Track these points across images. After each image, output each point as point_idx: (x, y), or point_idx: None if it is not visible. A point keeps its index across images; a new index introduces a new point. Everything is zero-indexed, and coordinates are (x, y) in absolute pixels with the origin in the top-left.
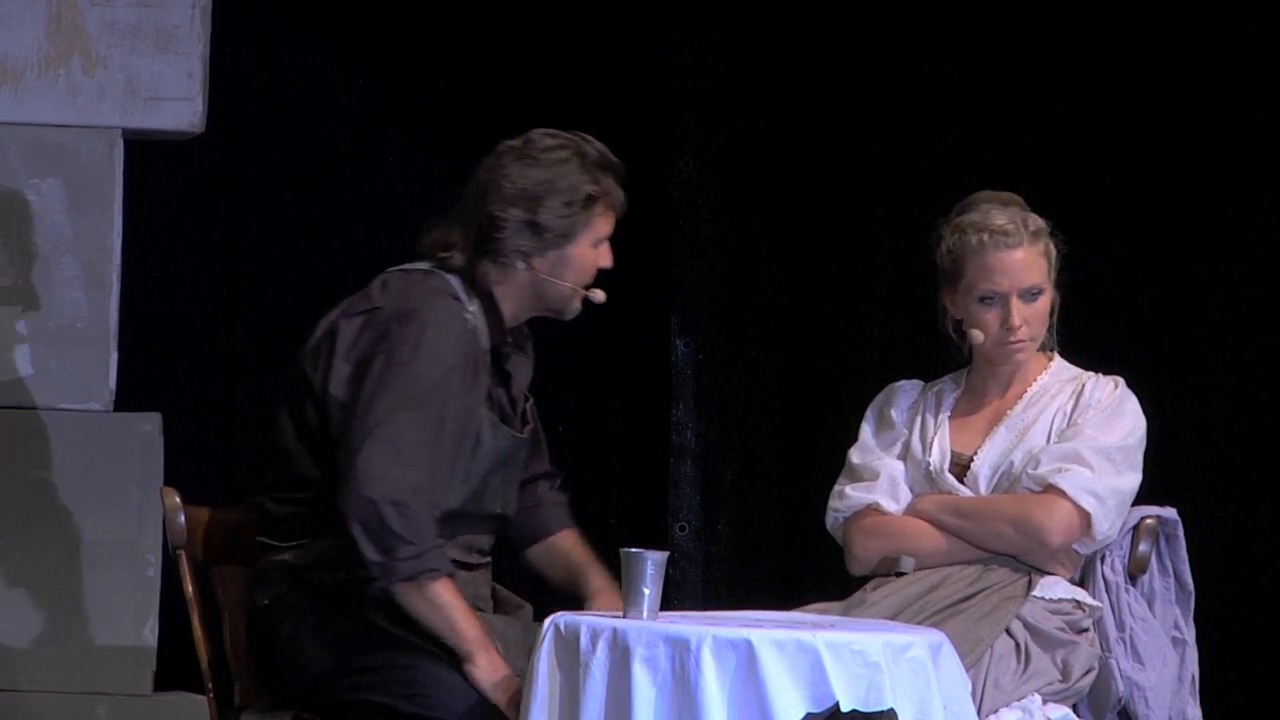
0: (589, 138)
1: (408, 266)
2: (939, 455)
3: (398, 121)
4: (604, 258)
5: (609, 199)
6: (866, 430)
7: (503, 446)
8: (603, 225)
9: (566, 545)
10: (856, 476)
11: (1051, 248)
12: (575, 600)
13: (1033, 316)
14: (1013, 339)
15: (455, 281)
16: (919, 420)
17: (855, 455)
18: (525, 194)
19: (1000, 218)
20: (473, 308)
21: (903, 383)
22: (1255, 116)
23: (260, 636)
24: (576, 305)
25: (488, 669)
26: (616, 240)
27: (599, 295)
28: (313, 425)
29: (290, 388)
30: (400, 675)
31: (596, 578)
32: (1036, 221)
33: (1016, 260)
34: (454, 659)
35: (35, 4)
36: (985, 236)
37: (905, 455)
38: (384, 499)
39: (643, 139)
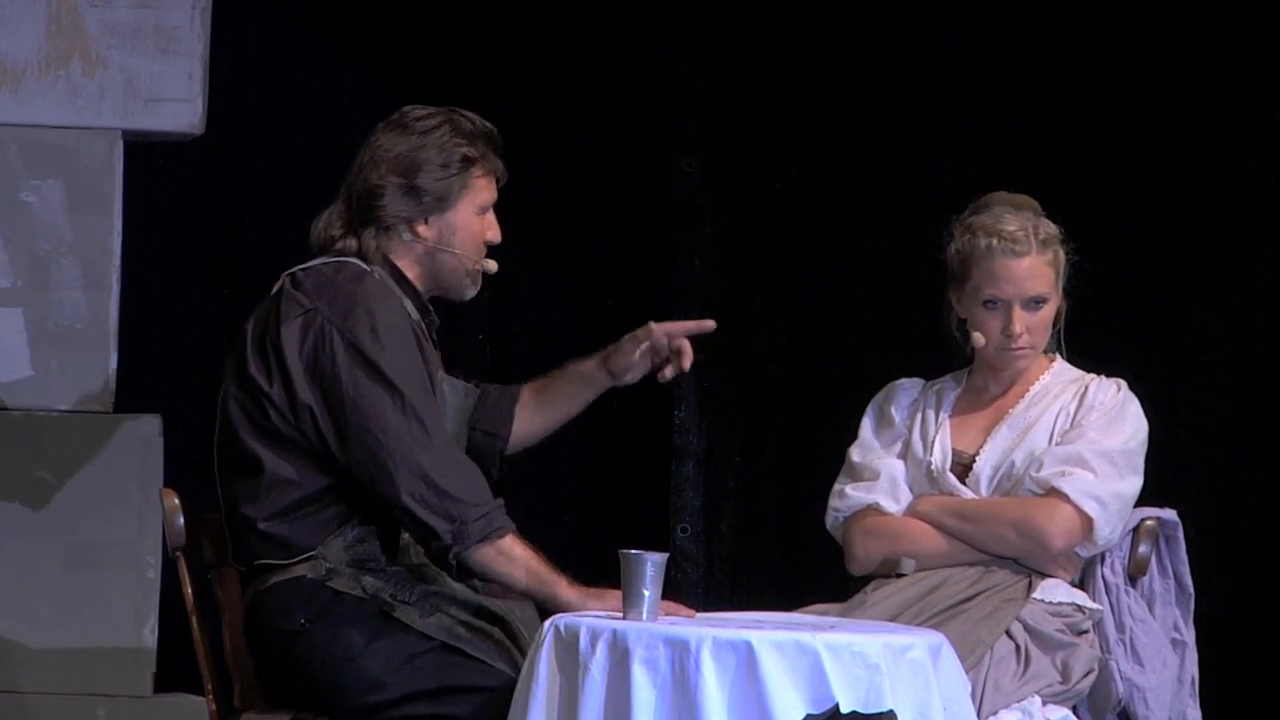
0: (464, 111)
1: (308, 265)
2: (940, 454)
3: None
4: (491, 229)
5: (486, 163)
6: (867, 428)
7: (463, 401)
8: (483, 190)
9: (537, 387)
10: (857, 476)
11: (1061, 256)
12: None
13: (1035, 325)
14: (1013, 346)
15: (359, 263)
16: (919, 418)
17: (855, 454)
18: (401, 160)
19: (1012, 223)
20: (389, 282)
21: (903, 380)
22: (1254, 116)
23: (297, 659)
24: (471, 282)
25: (579, 594)
26: (618, 240)
27: (490, 265)
28: (283, 431)
29: (240, 407)
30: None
31: (583, 363)
32: (1048, 229)
33: (1023, 268)
34: (503, 632)
35: (35, 5)
36: (994, 241)
37: (906, 454)
38: (432, 470)
39: (645, 139)
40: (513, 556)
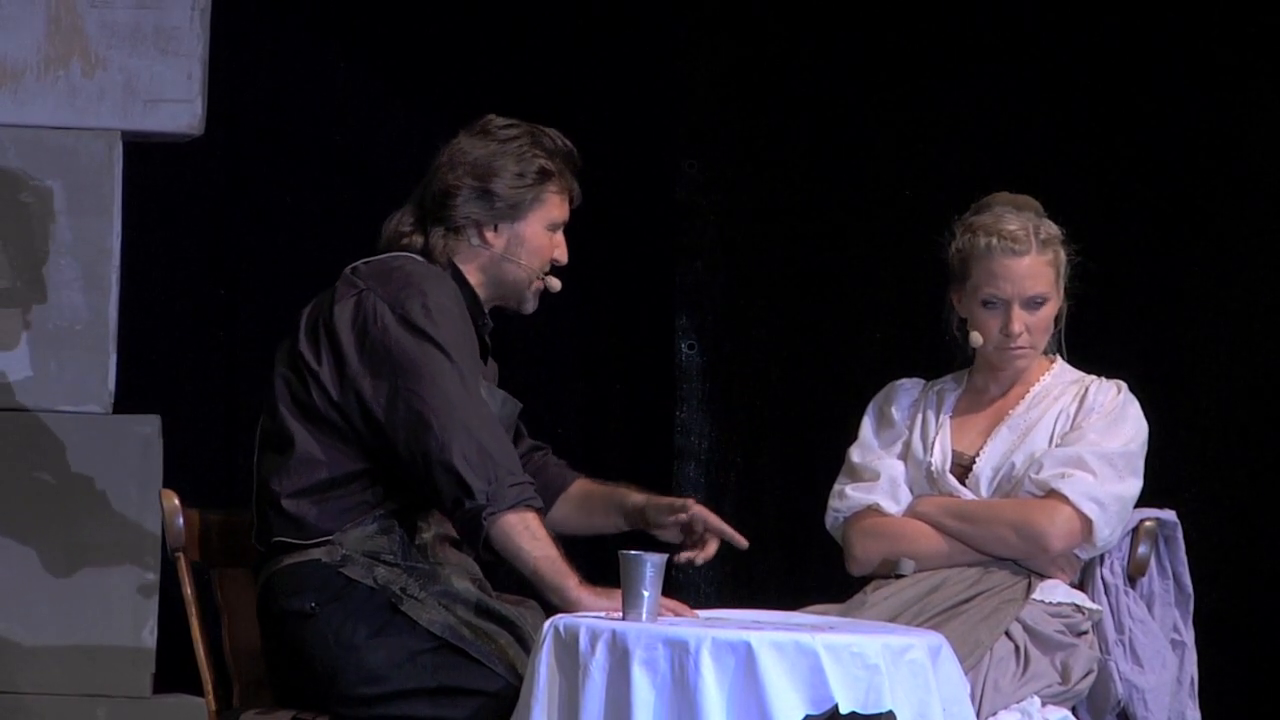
0: (545, 128)
1: (370, 259)
2: (940, 455)
3: (398, 123)
4: (559, 247)
5: (562, 180)
6: (867, 428)
7: (501, 410)
8: (555, 207)
9: (586, 488)
10: (856, 476)
11: (1062, 256)
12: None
13: (1034, 325)
14: (1012, 346)
15: (421, 259)
16: (920, 418)
17: (855, 454)
18: (478, 164)
19: (1012, 223)
20: (448, 279)
21: (904, 381)
22: (1255, 116)
23: (301, 641)
24: (532, 296)
25: (588, 594)
26: (620, 240)
27: (554, 283)
28: (321, 411)
29: (285, 384)
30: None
31: (633, 495)
32: (1049, 229)
33: (1023, 267)
34: (509, 631)
35: (35, 5)
36: (994, 240)
37: (906, 454)
38: (478, 431)
39: (648, 141)
40: (536, 534)
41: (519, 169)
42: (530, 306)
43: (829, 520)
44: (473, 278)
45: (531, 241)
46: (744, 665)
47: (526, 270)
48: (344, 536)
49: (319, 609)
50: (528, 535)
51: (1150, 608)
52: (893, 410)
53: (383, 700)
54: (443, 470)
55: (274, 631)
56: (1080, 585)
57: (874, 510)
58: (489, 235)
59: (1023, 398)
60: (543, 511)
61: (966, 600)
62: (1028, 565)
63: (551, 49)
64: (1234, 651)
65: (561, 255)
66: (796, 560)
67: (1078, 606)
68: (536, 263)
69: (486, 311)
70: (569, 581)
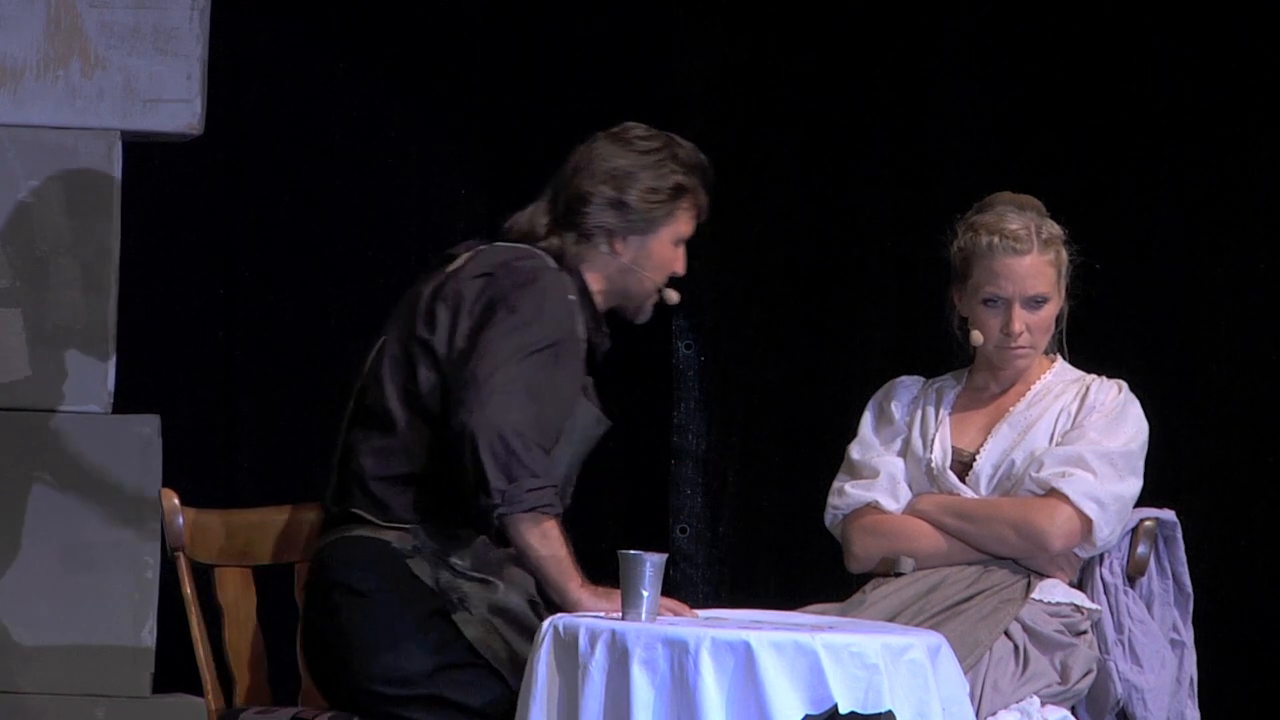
0: (682, 140)
1: (498, 244)
2: (940, 453)
3: (397, 122)
4: (680, 261)
5: (695, 196)
6: (866, 425)
7: (591, 427)
8: (685, 222)
9: None
10: (856, 473)
11: (1064, 256)
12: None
13: (1035, 324)
14: (1012, 345)
15: (553, 261)
16: (920, 416)
17: (855, 451)
18: (615, 173)
19: (1014, 222)
20: (574, 289)
21: (904, 378)
22: (1254, 119)
23: (345, 617)
24: (650, 306)
25: (588, 594)
26: None
27: (673, 295)
28: (424, 390)
29: (395, 364)
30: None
31: None
32: (1051, 229)
33: (1024, 267)
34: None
35: (34, 5)
36: (996, 240)
37: (905, 452)
38: (513, 429)
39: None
40: (548, 537)
41: (655, 183)
42: (645, 317)
43: (828, 518)
44: (595, 285)
45: (658, 255)
46: (743, 665)
47: (649, 283)
48: (421, 529)
49: (374, 593)
50: (538, 535)
51: (1150, 607)
52: (893, 407)
53: (399, 703)
54: (470, 452)
55: (319, 595)
56: (1079, 585)
57: (873, 508)
58: (618, 245)
59: (1023, 396)
60: (560, 516)
61: (966, 600)
62: (1027, 564)
63: (550, 49)
64: (1233, 651)
65: (681, 268)
66: (795, 560)
67: (1077, 606)
68: (660, 276)
69: (603, 321)
70: (571, 583)
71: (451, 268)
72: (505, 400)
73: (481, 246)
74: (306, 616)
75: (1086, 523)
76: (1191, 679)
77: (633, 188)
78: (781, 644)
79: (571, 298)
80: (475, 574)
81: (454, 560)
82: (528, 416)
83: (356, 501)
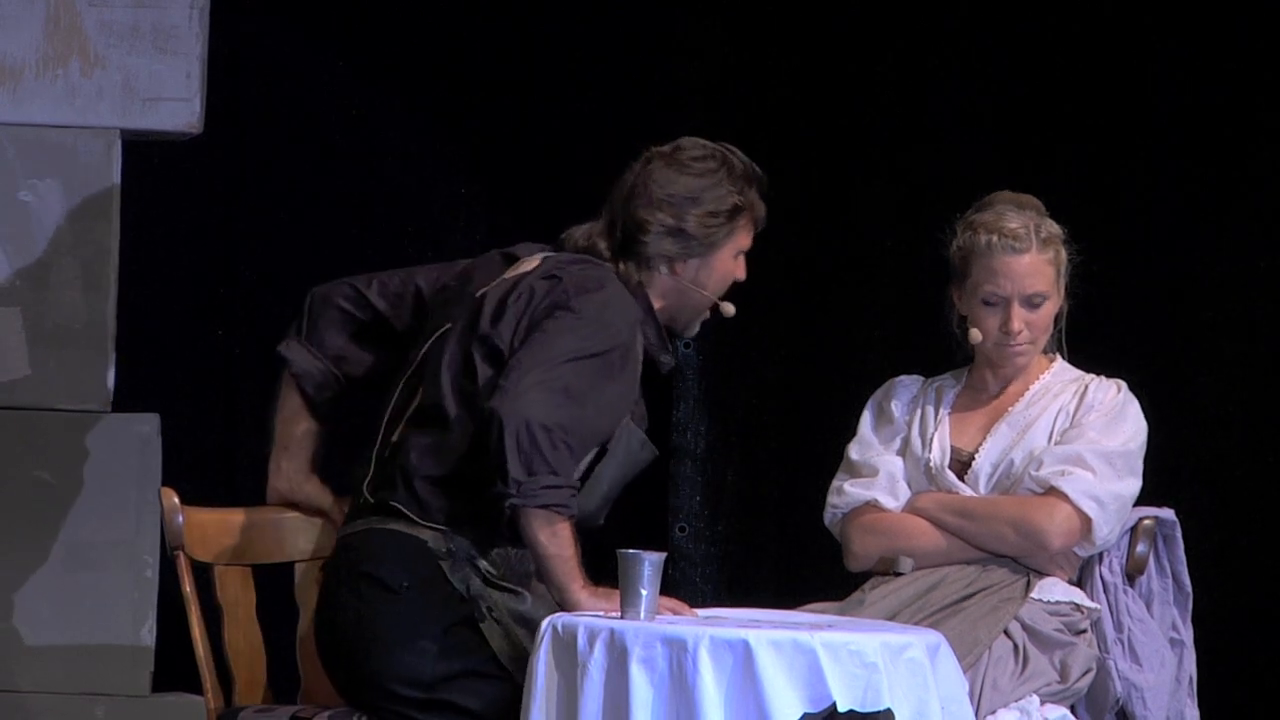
0: (735, 149)
1: (574, 256)
2: (939, 452)
3: (397, 121)
4: (741, 268)
5: (752, 211)
6: (866, 424)
7: (636, 451)
8: (744, 237)
9: None
10: (855, 472)
11: (1063, 256)
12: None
13: (1034, 323)
14: (1011, 343)
15: (623, 285)
16: (919, 415)
17: (854, 450)
18: (673, 200)
19: (1013, 221)
20: (640, 310)
21: (903, 377)
22: (1252, 118)
23: (368, 610)
24: (702, 319)
25: (588, 594)
26: None
27: (729, 308)
28: (482, 388)
29: (453, 361)
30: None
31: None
32: (1050, 228)
33: (1023, 265)
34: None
35: (34, 4)
36: (995, 238)
37: (904, 451)
38: (540, 424)
39: (644, 138)
40: (558, 536)
41: (713, 207)
42: (695, 330)
43: (827, 517)
44: (657, 303)
45: (718, 270)
46: (742, 664)
47: (709, 296)
48: (458, 532)
49: (405, 590)
50: (549, 532)
51: (1149, 606)
52: (892, 406)
53: (412, 705)
54: (496, 437)
55: (347, 582)
56: (1079, 584)
57: (872, 506)
58: (679, 268)
59: (1022, 395)
60: (574, 517)
61: (965, 598)
62: (1026, 563)
63: (550, 49)
64: (1233, 650)
65: (741, 275)
66: (794, 559)
67: (1076, 605)
68: (720, 289)
69: (669, 341)
70: (574, 584)
71: (524, 269)
72: (541, 395)
73: (549, 252)
74: (327, 599)
75: (1086, 521)
76: (1191, 678)
77: (690, 214)
78: (780, 642)
79: (637, 316)
80: (505, 584)
81: (485, 567)
82: (560, 415)
83: (398, 496)
